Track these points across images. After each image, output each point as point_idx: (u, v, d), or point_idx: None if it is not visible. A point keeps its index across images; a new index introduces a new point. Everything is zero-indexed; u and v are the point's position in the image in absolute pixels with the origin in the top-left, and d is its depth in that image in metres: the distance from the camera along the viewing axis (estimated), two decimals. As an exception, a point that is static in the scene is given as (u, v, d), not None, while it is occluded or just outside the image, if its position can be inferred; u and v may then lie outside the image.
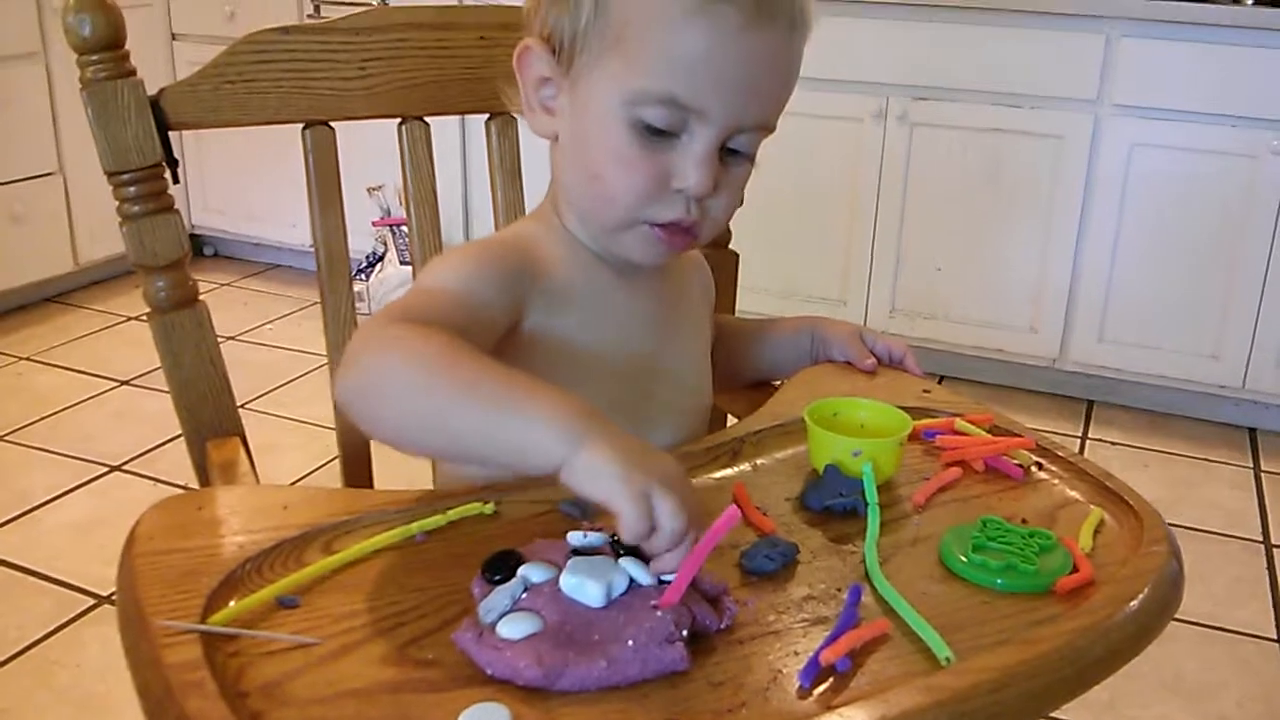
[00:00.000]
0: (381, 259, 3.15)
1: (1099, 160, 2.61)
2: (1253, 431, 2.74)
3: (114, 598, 1.85)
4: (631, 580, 0.65)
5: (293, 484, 2.22)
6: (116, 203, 0.93)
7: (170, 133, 0.94)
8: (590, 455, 0.63)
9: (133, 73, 0.91)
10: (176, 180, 0.95)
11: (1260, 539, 2.26)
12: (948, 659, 0.62)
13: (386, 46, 1.00)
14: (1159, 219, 2.60)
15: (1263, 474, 2.55)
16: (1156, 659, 1.85)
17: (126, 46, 0.91)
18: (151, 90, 0.93)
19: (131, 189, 0.93)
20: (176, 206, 0.96)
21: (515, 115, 1.08)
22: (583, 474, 0.64)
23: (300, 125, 1.00)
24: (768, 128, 0.81)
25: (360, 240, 3.14)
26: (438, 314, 0.75)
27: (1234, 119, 2.48)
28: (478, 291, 0.80)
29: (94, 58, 0.90)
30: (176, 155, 0.95)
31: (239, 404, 1.01)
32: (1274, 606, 2.04)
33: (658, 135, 0.78)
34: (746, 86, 0.77)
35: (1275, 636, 1.95)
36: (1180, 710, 1.75)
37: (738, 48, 0.76)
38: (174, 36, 3.40)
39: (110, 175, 0.92)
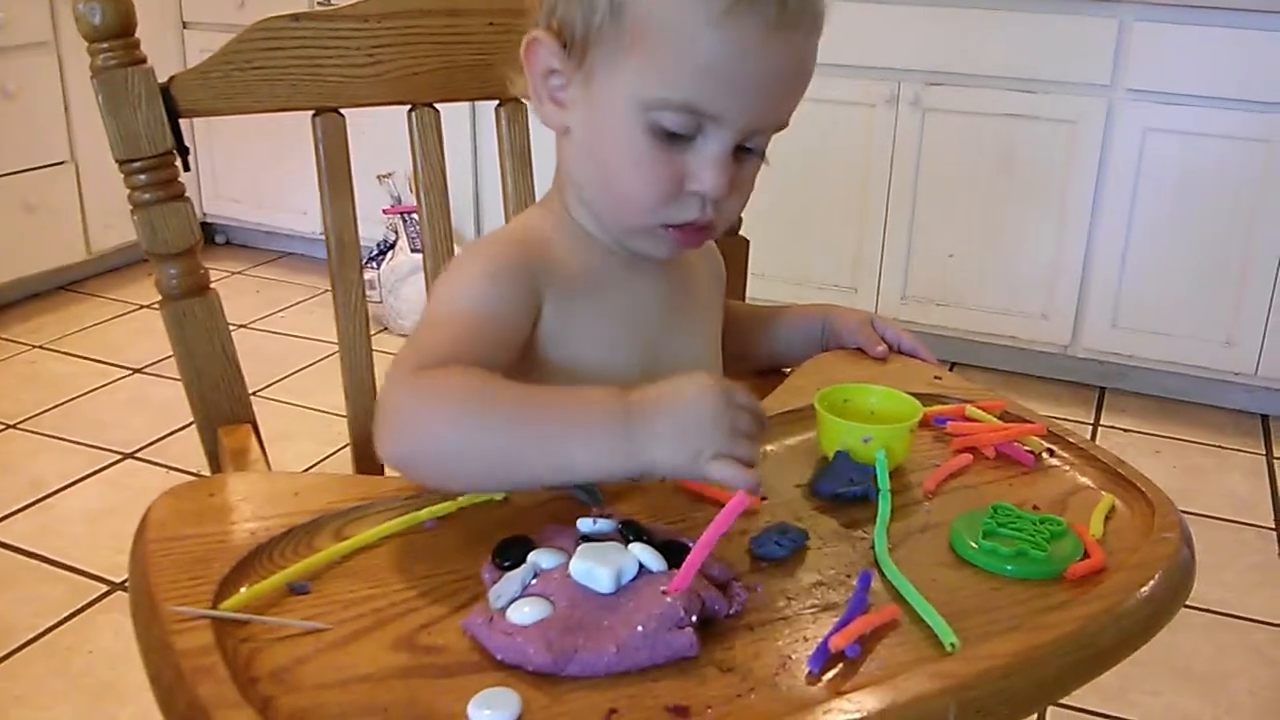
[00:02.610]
0: (393, 247, 3.15)
1: (1112, 146, 2.59)
2: (1265, 418, 2.73)
3: (127, 585, 1.86)
4: (641, 566, 0.65)
5: (304, 471, 2.23)
6: (128, 191, 0.94)
7: (181, 120, 0.94)
8: (659, 459, 0.68)
9: (143, 60, 0.92)
10: (187, 168, 0.96)
11: (1273, 526, 2.26)
12: (953, 645, 0.62)
13: (396, 33, 1.00)
14: (1172, 204, 2.59)
15: (1275, 461, 2.54)
16: (1168, 646, 1.85)
17: (137, 34, 0.91)
18: (162, 78, 0.93)
19: (142, 177, 0.93)
20: (188, 194, 0.96)
21: (525, 100, 1.08)
22: (669, 473, 0.69)
23: (310, 112, 1.00)
24: (782, 127, 0.81)
25: (371, 228, 3.14)
26: (457, 347, 0.75)
27: (1249, 104, 2.46)
28: (493, 306, 0.80)
29: (104, 46, 0.90)
30: (188, 143, 0.95)
31: (250, 391, 1.02)
32: (1287, 594, 2.03)
33: (673, 138, 0.78)
34: (765, 91, 0.77)
35: (1288, 624, 1.95)
36: (1192, 698, 1.75)
37: (758, 55, 0.75)
38: (185, 25, 3.41)
39: (121, 163, 0.93)
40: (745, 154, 0.81)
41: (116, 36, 0.90)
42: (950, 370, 0.99)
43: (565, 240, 0.87)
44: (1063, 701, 1.71)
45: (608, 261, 0.87)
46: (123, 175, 0.93)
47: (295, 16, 0.97)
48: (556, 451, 0.68)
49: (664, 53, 0.75)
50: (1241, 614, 1.96)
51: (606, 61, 0.78)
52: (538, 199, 1.10)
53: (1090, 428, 2.66)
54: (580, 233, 0.87)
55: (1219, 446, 2.60)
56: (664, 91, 0.76)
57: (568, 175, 0.87)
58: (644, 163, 0.78)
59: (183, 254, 0.95)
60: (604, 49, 0.78)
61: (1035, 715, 1.69)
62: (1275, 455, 2.57)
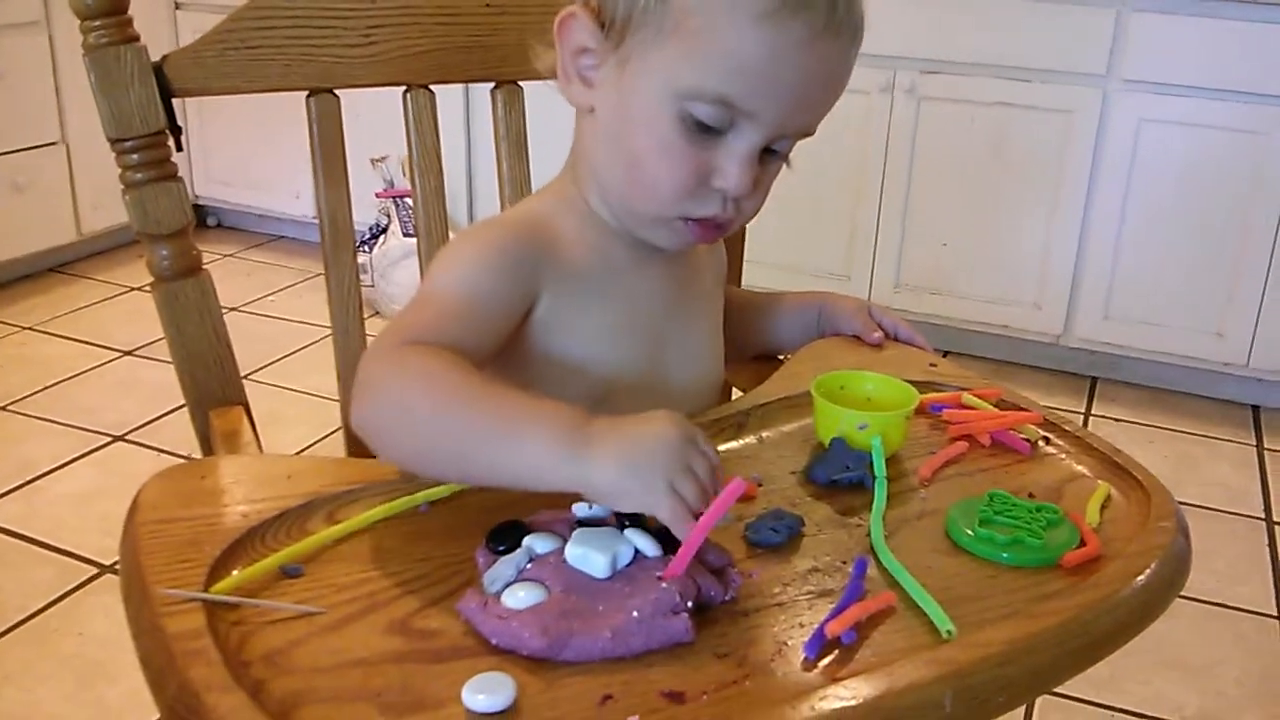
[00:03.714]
0: (385, 231, 3.14)
1: (1107, 136, 2.59)
2: (1255, 409, 2.74)
3: (116, 567, 1.85)
4: (636, 551, 0.65)
5: (297, 454, 2.22)
6: (119, 170, 0.93)
7: (173, 100, 0.93)
8: (603, 476, 0.65)
9: (136, 38, 0.91)
10: (180, 148, 0.95)
11: (1262, 516, 2.26)
12: (949, 632, 0.62)
13: (392, 13, 0.99)
14: (1166, 195, 2.59)
15: (1265, 451, 2.54)
16: (1157, 635, 1.84)
17: (129, 13, 0.90)
18: (154, 59, 0.92)
19: (134, 156, 0.92)
20: (180, 175, 0.95)
21: (521, 84, 1.08)
22: (607, 496, 0.66)
23: (304, 94, 0.99)
24: (809, 133, 0.81)
25: (363, 212, 3.11)
26: (442, 328, 0.75)
27: (1243, 95, 2.46)
28: (485, 288, 0.80)
29: (96, 23, 0.89)
30: (180, 124, 0.94)
31: (242, 375, 1.01)
32: (1275, 584, 2.04)
33: (704, 131, 0.77)
34: (801, 96, 0.77)
35: (1276, 614, 1.95)
36: (1180, 686, 1.76)
37: (800, 59, 0.75)
38: (177, 5, 3.38)
39: (113, 142, 0.92)
40: (770, 155, 0.80)
41: (109, 14, 0.89)
42: (944, 358, 0.99)
43: (575, 225, 0.86)
44: (1052, 690, 1.72)
45: (617, 248, 0.86)
46: (114, 155, 0.92)
47: (290, -5, 0.96)
48: (498, 449, 0.67)
49: (706, 44, 0.74)
50: (1230, 603, 1.97)
51: (645, 46, 0.77)
52: (533, 184, 1.10)
53: (1082, 417, 2.66)
54: (592, 217, 0.87)
55: (1209, 437, 2.60)
56: (701, 82, 0.75)
57: (586, 158, 0.86)
58: (671, 152, 0.78)
59: (174, 234, 0.94)
60: (645, 33, 0.77)
61: (1025, 704, 1.70)
62: (1265, 446, 2.57)
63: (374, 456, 1.04)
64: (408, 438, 0.71)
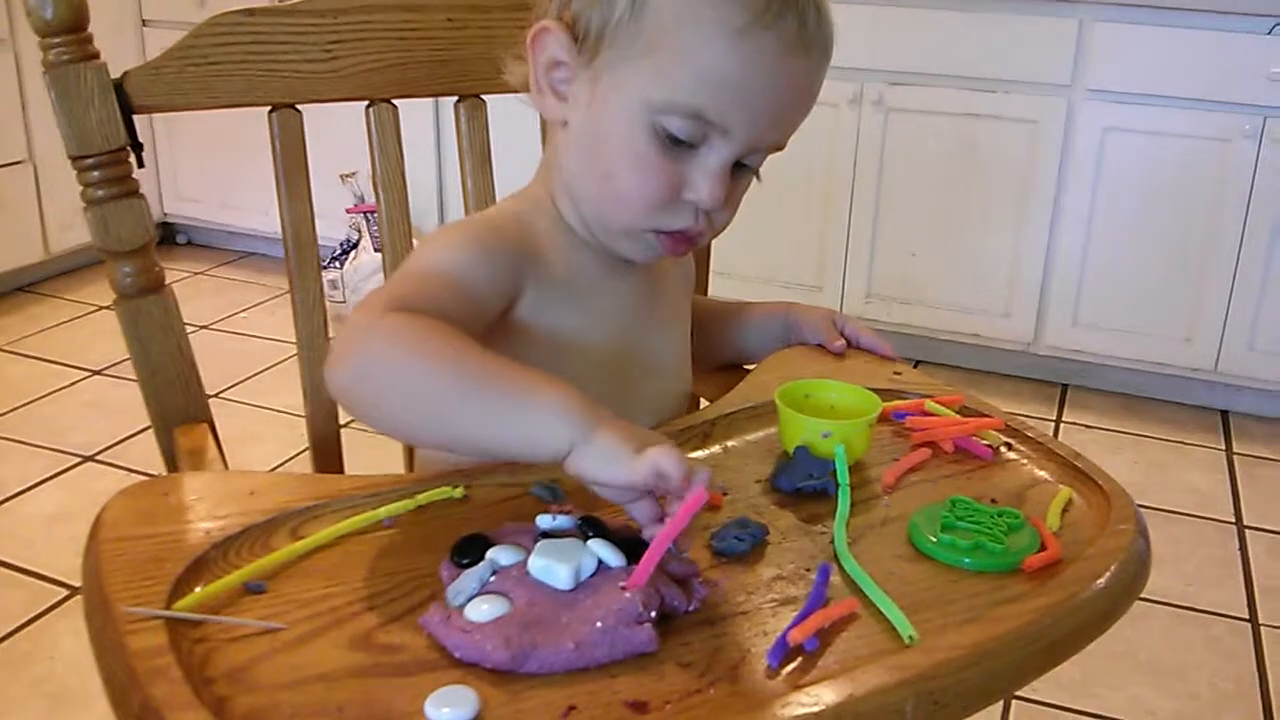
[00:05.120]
0: (355, 246, 3.13)
1: (1073, 145, 2.62)
2: (1225, 414, 2.76)
3: (87, 588, 1.83)
4: (600, 562, 0.65)
5: (268, 472, 2.21)
6: (81, 188, 0.92)
7: (135, 116, 0.93)
8: (601, 440, 0.65)
9: (96, 56, 0.90)
10: (141, 164, 0.94)
11: (1232, 520, 2.28)
12: (911, 638, 0.62)
13: (353, 28, 0.99)
14: (1132, 203, 2.61)
15: (1235, 456, 2.56)
16: (1129, 639, 1.87)
17: (90, 29, 0.90)
18: (118, 75, 0.92)
19: (95, 173, 0.92)
20: (144, 192, 0.95)
21: (485, 99, 1.08)
22: (596, 458, 0.66)
23: (267, 109, 0.99)
24: (780, 148, 0.82)
25: (334, 228, 3.12)
26: (430, 300, 0.74)
27: (1207, 103, 2.49)
28: (473, 273, 0.79)
29: (56, 40, 0.89)
30: (149, 144, 0.94)
31: (213, 393, 1.01)
32: (1246, 587, 2.05)
33: (676, 144, 0.78)
34: (773, 111, 0.78)
35: (1247, 617, 1.97)
36: (1153, 690, 1.77)
37: (773, 75, 0.76)
38: (144, 23, 3.37)
39: (74, 160, 0.91)
40: (740, 170, 0.81)
41: (69, 31, 0.89)
42: (915, 368, 1.00)
43: (550, 233, 0.86)
44: (1026, 695, 1.73)
45: (586, 259, 0.87)
46: (75, 172, 0.92)
47: (250, 11, 0.96)
48: (496, 410, 0.67)
49: (680, 58, 0.75)
50: (1202, 607, 1.98)
51: (619, 61, 0.78)
52: (497, 196, 1.10)
53: (1053, 424, 2.68)
54: (564, 227, 0.87)
55: (1180, 442, 2.62)
56: (674, 96, 0.76)
57: (558, 169, 0.86)
58: (644, 165, 0.78)
59: (137, 251, 0.94)
60: (618, 48, 0.77)
61: (1000, 710, 1.70)
62: (1234, 450, 2.59)
63: (340, 470, 1.04)
64: (393, 397, 0.69)
